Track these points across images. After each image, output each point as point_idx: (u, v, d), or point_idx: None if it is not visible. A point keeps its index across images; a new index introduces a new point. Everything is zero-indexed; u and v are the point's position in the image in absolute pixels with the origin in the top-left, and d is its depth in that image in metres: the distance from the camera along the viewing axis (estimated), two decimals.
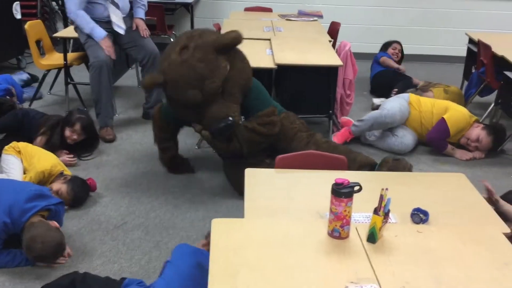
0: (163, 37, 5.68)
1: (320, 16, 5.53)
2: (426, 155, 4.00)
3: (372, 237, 1.73)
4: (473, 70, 4.96)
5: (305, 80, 3.88)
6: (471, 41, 5.04)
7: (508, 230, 1.85)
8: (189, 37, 2.99)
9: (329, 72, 3.90)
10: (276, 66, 3.74)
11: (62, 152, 3.58)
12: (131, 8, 4.31)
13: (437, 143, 3.98)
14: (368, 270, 1.60)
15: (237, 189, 3.20)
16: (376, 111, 4.13)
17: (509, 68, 4.10)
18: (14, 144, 3.21)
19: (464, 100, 4.80)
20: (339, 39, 4.92)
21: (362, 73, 5.27)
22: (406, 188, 2.15)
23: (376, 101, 4.86)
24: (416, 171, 3.59)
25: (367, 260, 1.64)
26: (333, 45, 4.67)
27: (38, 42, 4.64)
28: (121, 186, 3.38)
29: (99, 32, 4.02)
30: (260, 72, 3.60)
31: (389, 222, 1.83)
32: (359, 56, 5.28)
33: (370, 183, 1.95)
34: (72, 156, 3.61)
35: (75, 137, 3.61)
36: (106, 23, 4.08)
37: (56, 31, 6.00)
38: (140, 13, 4.36)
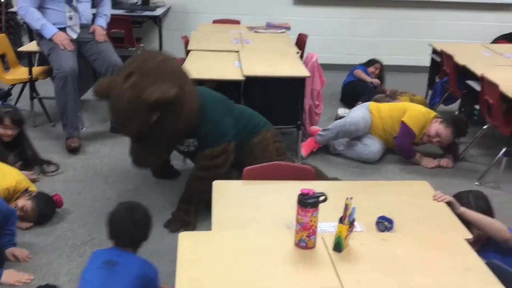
0: (131, 50, 5.65)
1: (288, 28, 5.59)
2: (393, 164, 4.07)
3: (338, 246, 1.75)
4: (437, 80, 5.08)
5: (273, 92, 3.91)
6: (435, 51, 5.17)
7: (469, 236, 1.90)
8: (137, 66, 2.75)
9: (297, 83, 3.95)
10: (244, 78, 3.76)
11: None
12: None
13: (405, 149, 4.05)
14: (334, 279, 1.61)
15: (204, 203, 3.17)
16: (340, 119, 4.21)
17: (471, 78, 4.22)
18: None
19: (429, 108, 4.91)
20: (307, 50, 4.98)
21: (331, 84, 5.34)
22: (371, 197, 2.19)
23: (340, 111, 4.93)
24: (383, 180, 3.66)
25: (333, 269, 1.66)
26: (301, 57, 4.73)
27: (2, 57, 4.57)
28: (89, 202, 3.32)
29: (50, 29, 3.97)
30: (228, 84, 3.61)
31: (355, 231, 1.85)
32: (328, 67, 5.35)
33: (336, 193, 1.98)
34: (31, 172, 3.55)
35: (9, 132, 3.53)
36: (62, 30, 4.05)
37: (21, 45, 5.89)
38: (101, 21, 4.34)
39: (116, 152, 4.01)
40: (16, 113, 3.60)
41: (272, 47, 4.76)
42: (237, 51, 4.44)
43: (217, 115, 2.96)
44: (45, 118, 4.57)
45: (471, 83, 4.19)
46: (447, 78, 4.74)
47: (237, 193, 2.21)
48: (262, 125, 3.20)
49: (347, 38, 6.64)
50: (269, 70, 3.96)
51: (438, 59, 5.02)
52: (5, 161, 3.34)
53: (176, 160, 3.75)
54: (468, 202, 2.32)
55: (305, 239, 1.75)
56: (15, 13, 5.93)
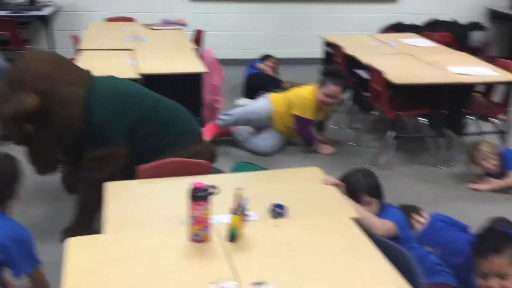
0: (18, 53, 5.32)
1: (184, 25, 5.56)
2: (293, 156, 4.19)
3: (232, 237, 1.78)
4: None
5: (172, 88, 3.86)
6: (328, 44, 5.37)
7: (355, 215, 2.00)
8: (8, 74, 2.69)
9: (195, 79, 3.94)
10: (140, 76, 3.68)
11: None
12: None
13: (307, 138, 4.22)
14: (229, 269, 1.63)
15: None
16: (242, 107, 4.29)
17: (361, 67, 4.44)
18: None
19: None
20: (206, 46, 4.98)
21: (231, 78, 5.38)
22: (265, 186, 2.24)
23: (240, 101, 4.99)
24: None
25: (228, 260, 1.68)
26: (199, 53, 4.72)
27: None
28: None
29: None
30: None
31: (250, 220, 1.89)
32: (227, 62, 5.39)
33: (230, 185, 2.00)
34: None
35: None
36: None
37: None
38: None
39: None
40: None
41: (168, 43, 4.70)
42: (132, 49, 4.34)
43: (101, 116, 2.67)
44: None
45: (360, 72, 4.41)
46: None
47: (131, 193, 2.17)
48: (192, 138, 2.92)
49: (244, 33, 6.74)
50: (166, 67, 3.92)
51: (331, 51, 5.22)
52: None
53: None
54: (358, 181, 2.37)
55: (199, 233, 1.76)
56: None
